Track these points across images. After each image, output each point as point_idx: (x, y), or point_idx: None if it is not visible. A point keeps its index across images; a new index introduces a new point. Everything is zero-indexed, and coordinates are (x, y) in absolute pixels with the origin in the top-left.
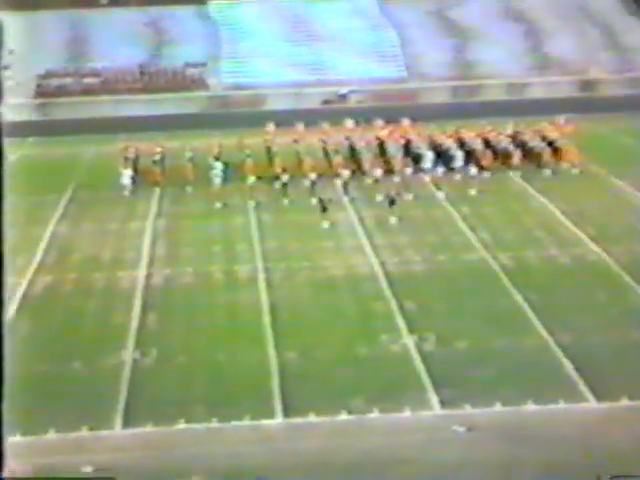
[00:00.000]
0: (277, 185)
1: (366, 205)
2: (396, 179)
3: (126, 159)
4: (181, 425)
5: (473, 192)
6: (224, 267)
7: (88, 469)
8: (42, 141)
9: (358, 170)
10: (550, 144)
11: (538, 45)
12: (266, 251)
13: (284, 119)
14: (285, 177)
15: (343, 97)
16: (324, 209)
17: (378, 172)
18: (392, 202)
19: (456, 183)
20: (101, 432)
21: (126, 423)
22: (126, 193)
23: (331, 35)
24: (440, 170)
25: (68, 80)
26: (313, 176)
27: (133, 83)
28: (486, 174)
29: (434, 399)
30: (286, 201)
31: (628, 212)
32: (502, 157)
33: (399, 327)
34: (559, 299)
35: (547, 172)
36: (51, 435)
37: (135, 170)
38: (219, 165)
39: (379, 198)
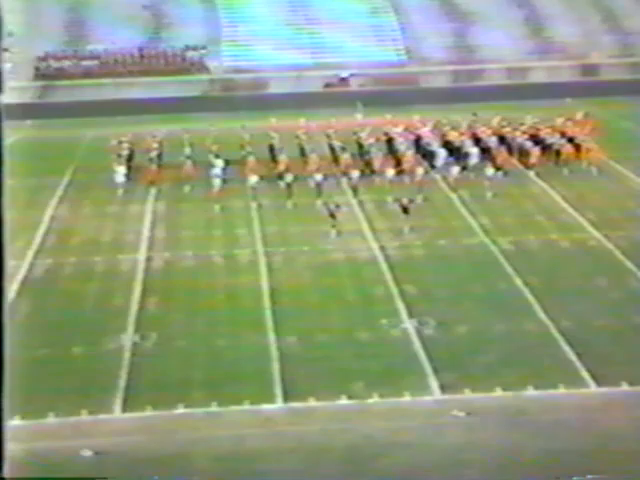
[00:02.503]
0: (282, 184)
1: (367, 191)
2: (407, 178)
3: (119, 155)
4: (180, 409)
5: (489, 195)
6: (224, 251)
7: (87, 453)
8: (41, 123)
9: (367, 169)
10: (570, 140)
11: (539, 29)
12: (266, 235)
13: (286, 104)
14: (289, 177)
15: (344, 80)
16: (332, 216)
17: (390, 173)
18: (405, 210)
19: (471, 185)
20: (100, 416)
21: (125, 407)
22: (120, 192)
23: (331, 18)
24: (455, 170)
25: (67, 62)
26: (319, 177)
27: (132, 66)
28: (501, 175)
29: (434, 384)
30: (290, 204)
31: (628, 197)
32: (519, 155)
33: (399, 311)
34: (559, 284)
35: (565, 171)
36: (50, 419)
37: (129, 167)
38: (219, 162)
39: (389, 200)
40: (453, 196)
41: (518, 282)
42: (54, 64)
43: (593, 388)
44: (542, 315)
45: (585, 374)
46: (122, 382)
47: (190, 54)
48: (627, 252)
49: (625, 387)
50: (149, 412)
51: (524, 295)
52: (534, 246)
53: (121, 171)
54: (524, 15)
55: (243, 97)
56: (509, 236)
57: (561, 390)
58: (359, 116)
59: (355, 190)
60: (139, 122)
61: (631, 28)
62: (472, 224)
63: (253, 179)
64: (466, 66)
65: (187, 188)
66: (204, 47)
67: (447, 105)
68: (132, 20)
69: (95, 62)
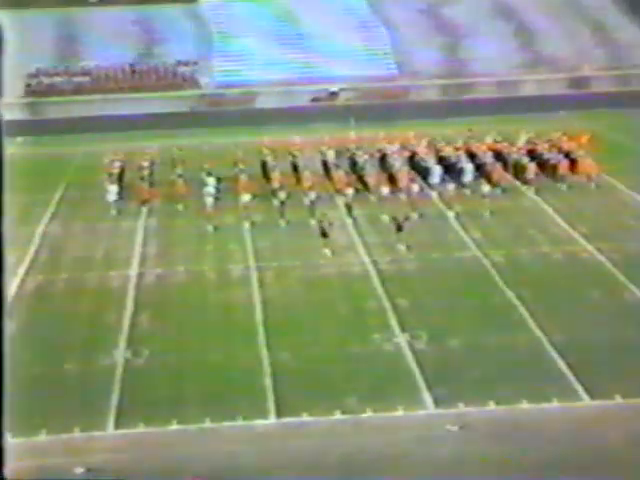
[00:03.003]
0: (275, 202)
1: (360, 207)
2: (402, 196)
3: (110, 174)
4: (173, 425)
5: (486, 214)
6: (216, 266)
7: (80, 470)
8: (32, 140)
9: (361, 186)
10: (566, 155)
11: (529, 43)
12: (258, 250)
13: (276, 118)
14: (283, 195)
15: (334, 95)
16: (324, 234)
17: (384, 190)
18: (399, 228)
19: (466, 201)
20: (93, 433)
21: (118, 424)
22: (113, 212)
23: (321, 33)
24: (450, 187)
25: (58, 79)
26: (313, 195)
27: (124, 82)
28: (498, 191)
29: (427, 398)
30: (283, 222)
31: (619, 210)
32: (515, 170)
33: (392, 325)
34: (552, 297)
35: (563, 187)
36: (43, 437)
37: (121, 186)
38: (212, 180)
39: (385, 218)
40: (447, 212)
41: (511, 295)
42: (45, 80)
43: (587, 401)
44: (535, 328)
45: (578, 387)
46: (114, 399)
47: (181, 69)
48: (619, 265)
49: (619, 400)
50: (142, 429)
51: (517, 308)
52: (527, 259)
53: (113, 190)
54: (514, 28)
55: (232, 112)
56: (502, 249)
57: (554, 403)
58: (352, 133)
59: (349, 207)
60: (131, 138)
61: (621, 40)
62: (464, 238)
63: (245, 197)
64: (457, 79)
65: (180, 207)
66: (195, 62)
67: (438, 119)
68: (123, 36)
69: (86, 78)
